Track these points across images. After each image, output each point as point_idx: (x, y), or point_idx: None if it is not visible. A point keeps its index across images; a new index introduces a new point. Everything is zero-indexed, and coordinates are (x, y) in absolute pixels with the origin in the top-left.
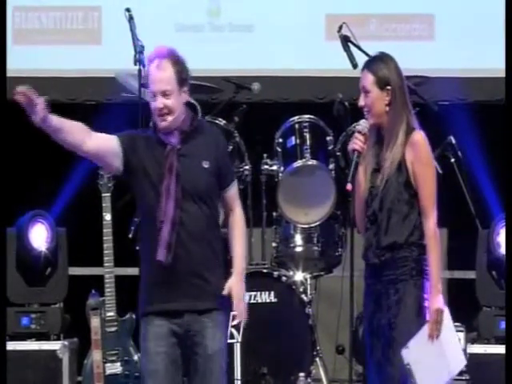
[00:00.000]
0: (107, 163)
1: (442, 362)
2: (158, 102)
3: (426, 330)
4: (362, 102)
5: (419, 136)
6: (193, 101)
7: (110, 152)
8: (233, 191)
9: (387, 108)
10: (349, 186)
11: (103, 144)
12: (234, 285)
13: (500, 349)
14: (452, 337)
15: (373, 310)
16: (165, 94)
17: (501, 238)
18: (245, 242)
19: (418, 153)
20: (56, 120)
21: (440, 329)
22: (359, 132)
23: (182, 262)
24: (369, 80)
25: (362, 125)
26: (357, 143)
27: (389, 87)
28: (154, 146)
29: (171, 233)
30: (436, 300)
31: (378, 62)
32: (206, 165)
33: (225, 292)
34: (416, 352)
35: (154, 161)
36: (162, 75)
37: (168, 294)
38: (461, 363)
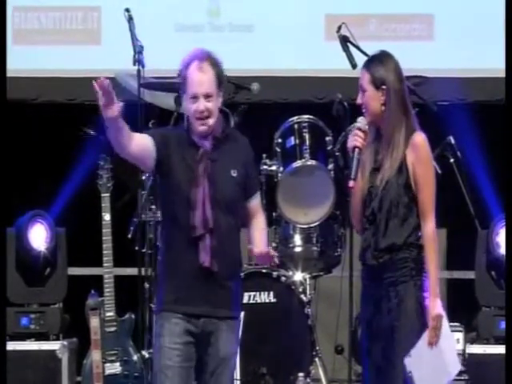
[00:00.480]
0: (142, 162)
1: (441, 367)
2: (200, 105)
3: (425, 336)
4: (359, 100)
5: (420, 138)
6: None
7: (145, 151)
8: (256, 201)
9: (383, 107)
10: (351, 183)
11: (140, 144)
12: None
13: (499, 349)
14: (449, 341)
15: (372, 312)
16: (207, 97)
17: (500, 238)
18: (266, 234)
19: (419, 154)
20: (122, 121)
21: (439, 334)
22: (359, 129)
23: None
24: (365, 79)
25: (362, 122)
26: (357, 140)
27: (384, 87)
28: (186, 146)
29: (212, 239)
30: (435, 306)
31: (376, 61)
32: (234, 173)
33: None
34: (417, 359)
35: (184, 163)
36: (204, 77)
37: (190, 298)
38: (457, 366)
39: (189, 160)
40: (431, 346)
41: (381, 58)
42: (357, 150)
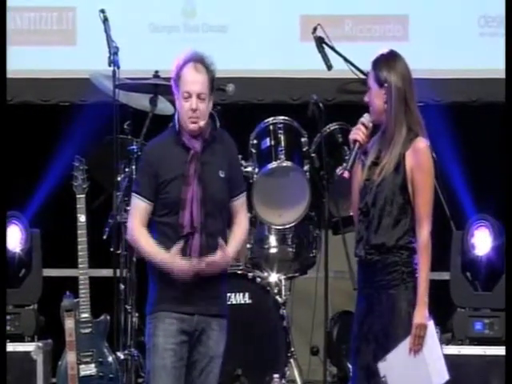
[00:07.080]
0: None
1: (424, 376)
2: (193, 103)
3: (406, 343)
4: (365, 98)
5: (423, 144)
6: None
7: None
8: (239, 202)
9: (385, 105)
10: (346, 174)
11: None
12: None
13: (474, 350)
14: (435, 350)
15: (365, 313)
16: (199, 97)
17: (475, 239)
18: (241, 242)
19: (420, 161)
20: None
21: (422, 343)
22: (362, 124)
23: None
24: (371, 77)
25: (367, 118)
26: (359, 134)
27: (386, 85)
28: (175, 148)
29: (200, 238)
30: (420, 314)
31: (382, 60)
32: (222, 174)
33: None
34: (394, 365)
35: (173, 165)
36: (200, 78)
37: (183, 297)
38: (443, 378)
39: (179, 161)
40: (413, 354)
41: (387, 57)
42: (357, 143)
